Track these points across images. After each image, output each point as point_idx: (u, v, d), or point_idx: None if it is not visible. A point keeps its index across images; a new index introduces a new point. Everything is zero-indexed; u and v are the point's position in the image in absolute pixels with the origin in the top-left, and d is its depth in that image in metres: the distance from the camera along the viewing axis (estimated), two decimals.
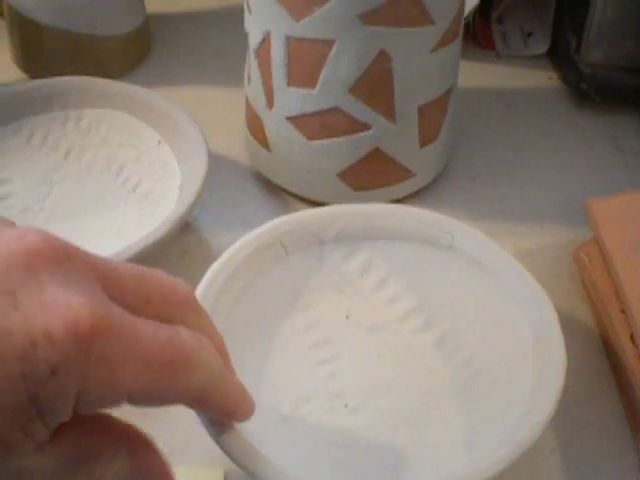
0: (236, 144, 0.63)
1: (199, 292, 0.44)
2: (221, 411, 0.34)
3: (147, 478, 0.31)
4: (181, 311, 0.32)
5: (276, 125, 0.55)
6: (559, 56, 0.70)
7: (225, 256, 0.46)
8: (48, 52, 0.66)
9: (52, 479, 0.28)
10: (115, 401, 0.28)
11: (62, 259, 0.27)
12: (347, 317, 0.48)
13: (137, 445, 0.31)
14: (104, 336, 0.26)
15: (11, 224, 0.29)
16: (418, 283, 0.49)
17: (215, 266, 0.46)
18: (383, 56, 0.50)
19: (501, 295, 0.47)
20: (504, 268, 0.47)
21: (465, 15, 0.63)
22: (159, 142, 0.57)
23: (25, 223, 0.53)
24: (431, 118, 0.55)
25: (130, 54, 0.70)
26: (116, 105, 0.59)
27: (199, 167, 0.52)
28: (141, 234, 0.49)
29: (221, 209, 0.58)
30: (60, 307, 0.26)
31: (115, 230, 0.53)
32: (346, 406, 0.43)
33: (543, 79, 0.71)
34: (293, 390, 0.44)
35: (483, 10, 0.73)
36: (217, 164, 0.60)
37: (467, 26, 0.72)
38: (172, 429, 0.45)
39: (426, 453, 0.41)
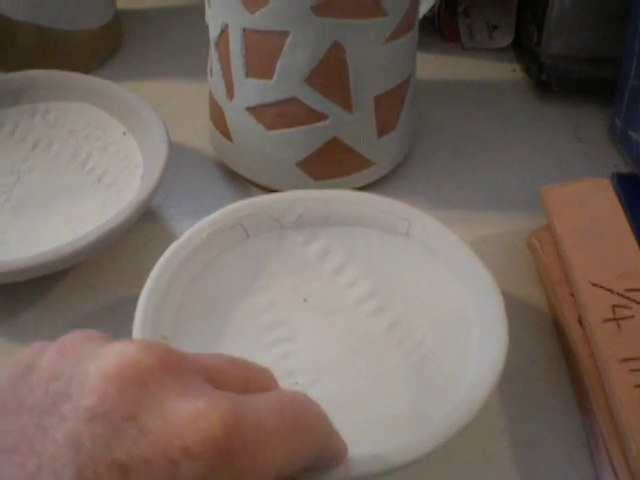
0: (201, 135, 0.64)
1: (156, 269, 0.45)
2: (332, 459, 0.34)
3: None
4: (271, 386, 0.32)
5: (236, 115, 0.56)
6: (522, 48, 0.71)
7: (185, 236, 0.47)
8: (19, 47, 0.67)
9: None
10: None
11: (170, 367, 0.27)
12: (304, 300, 0.49)
13: None
14: (238, 430, 0.26)
15: (100, 339, 0.29)
16: (374, 269, 0.50)
17: (174, 245, 0.47)
18: (337, 47, 0.51)
19: (452, 281, 0.48)
20: (456, 254, 0.48)
21: (428, 9, 0.65)
22: (124, 133, 0.58)
23: None
24: (388, 108, 0.56)
25: (100, 49, 0.71)
26: (83, 98, 0.60)
27: (160, 156, 0.53)
28: (103, 221, 0.50)
29: (185, 198, 0.59)
30: (189, 419, 0.25)
31: (80, 218, 0.55)
32: (297, 384, 0.44)
33: (507, 71, 0.72)
34: None
35: (449, 4, 0.74)
36: (183, 155, 0.62)
37: (432, 19, 0.74)
38: None
39: (373, 429, 0.42)
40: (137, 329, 0.42)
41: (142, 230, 0.56)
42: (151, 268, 0.46)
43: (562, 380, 0.49)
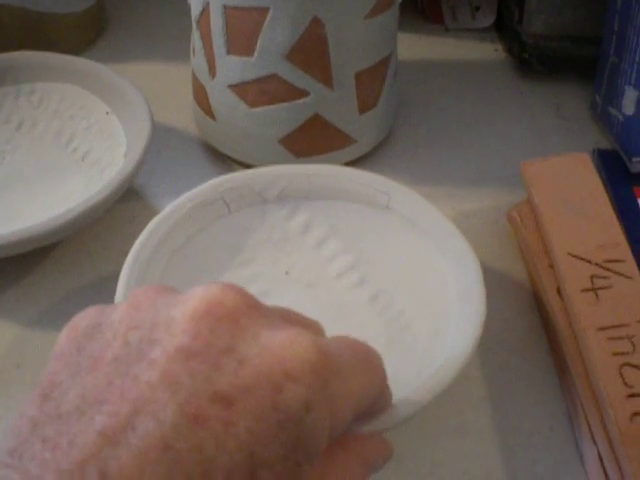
0: (185, 115, 0.64)
1: (137, 243, 0.45)
2: (384, 406, 0.35)
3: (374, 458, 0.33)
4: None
5: (219, 93, 0.56)
6: (504, 28, 0.71)
7: (166, 210, 0.48)
8: (4, 29, 0.67)
9: None
10: (353, 414, 0.29)
11: (254, 305, 0.28)
12: (287, 273, 0.49)
13: (364, 451, 0.32)
14: (328, 357, 0.27)
15: (172, 290, 0.29)
16: (356, 241, 0.50)
17: (156, 219, 0.47)
18: (317, 22, 0.51)
19: (432, 253, 0.48)
20: (436, 227, 0.48)
21: None
22: (107, 113, 0.58)
23: None
24: (369, 85, 0.56)
25: (85, 32, 0.71)
26: (66, 78, 0.60)
27: (143, 134, 0.53)
28: (86, 197, 0.50)
29: (169, 177, 0.60)
30: (285, 346, 0.26)
31: (63, 196, 0.55)
32: None
33: (489, 51, 0.72)
34: None
35: None
36: (167, 135, 0.62)
37: (415, 1, 0.74)
38: None
39: None
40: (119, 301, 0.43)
41: (126, 208, 0.56)
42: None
43: (542, 350, 0.49)
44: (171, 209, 0.48)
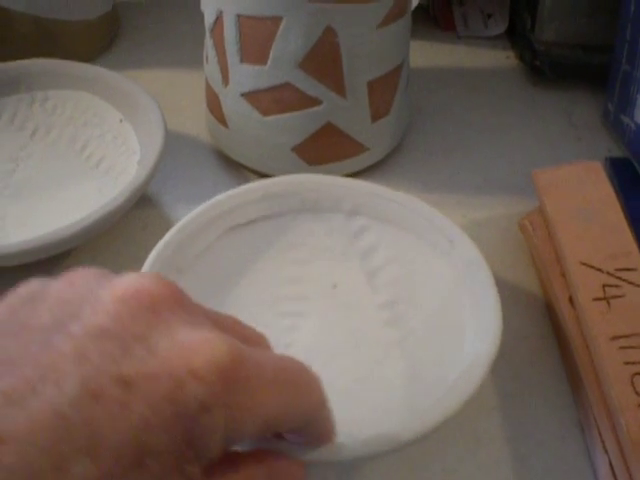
0: (198, 123, 0.65)
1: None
2: (320, 434, 0.34)
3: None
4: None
5: (232, 102, 0.56)
6: (516, 36, 0.71)
7: (201, 208, 0.49)
8: (17, 38, 0.68)
9: None
10: (256, 429, 0.28)
11: (180, 300, 0.28)
12: (334, 286, 0.50)
13: (275, 469, 0.32)
14: (241, 365, 0.27)
15: (110, 274, 0.30)
16: (408, 276, 0.50)
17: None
18: (329, 32, 0.52)
19: (444, 265, 0.48)
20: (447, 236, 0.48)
21: None
22: (121, 120, 0.59)
23: None
24: (381, 93, 0.57)
25: (99, 39, 0.71)
26: (80, 86, 0.61)
27: (156, 141, 0.54)
28: (100, 205, 0.51)
29: (181, 184, 0.60)
30: (198, 344, 0.27)
31: (76, 202, 0.55)
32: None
33: (501, 58, 0.72)
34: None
35: None
36: (179, 142, 0.63)
37: (427, 8, 0.74)
38: None
39: (366, 414, 0.43)
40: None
41: (139, 216, 0.57)
42: (148, 252, 0.46)
43: (554, 359, 0.49)
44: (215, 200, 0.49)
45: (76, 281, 0.29)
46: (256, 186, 0.50)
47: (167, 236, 0.47)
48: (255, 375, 0.28)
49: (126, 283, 0.28)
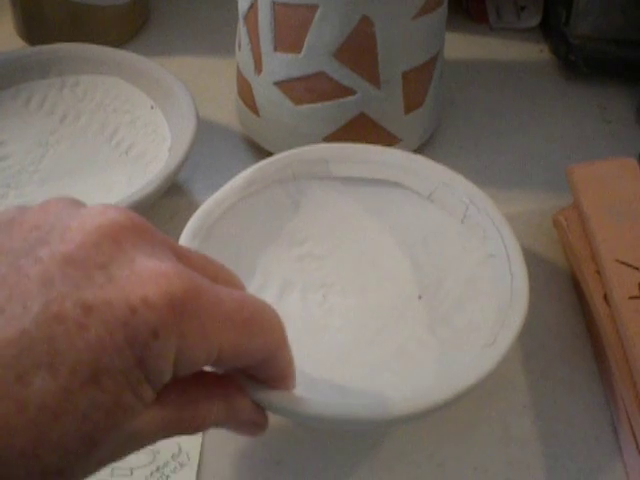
0: (229, 110, 0.64)
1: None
2: (277, 375, 0.36)
3: (241, 418, 0.35)
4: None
5: (264, 90, 0.56)
6: (550, 29, 0.70)
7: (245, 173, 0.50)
8: (49, 22, 0.67)
9: (159, 435, 0.31)
10: (207, 359, 0.30)
11: (144, 232, 0.30)
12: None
13: (230, 391, 0.35)
14: (195, 298, 0.29)
15: (82, 204, 0.32)
16: (406, 229, 0.51)
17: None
18: (366, 21, 0.51)
19: (477, 245, 0.48)
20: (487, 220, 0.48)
21: None
22: (152, 107, 0.58)
23: (21, 183, 0.55)
24: (416, 84, 0.56)
25: (128, 24, 0.71)
26: (111, 72, 0.60)
27: (188, 129, 0.53)
28: (130, 192, 0.50)
29: (211, 172, 0.59)
30: (153, 275, 0.28)
31: (106, 189, 0.55)
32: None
33: (534, 51, 0.71)
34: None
35: None
36: (209, 130, 0.62)
37: (460, 0, 0.73)
38: None
39: (399, 378, 0.43)
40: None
41: (168, 204, 0.56)
42: (177, 241, 0.46)
43: (586, 357, 0.49)
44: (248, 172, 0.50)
45: (50, 209, 0.30)
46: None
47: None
48: (209, 308, 0.29)
49: (94, 214, 0.29)
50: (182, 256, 0.32)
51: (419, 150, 0.60)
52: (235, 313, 0.31)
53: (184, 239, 0.45)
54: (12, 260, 0.28)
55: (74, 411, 0.26)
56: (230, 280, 0.35)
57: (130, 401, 0.28)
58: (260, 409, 0.36)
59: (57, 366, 0.26)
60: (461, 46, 0.71)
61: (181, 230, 0.46)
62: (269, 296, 0.47)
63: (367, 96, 0.54)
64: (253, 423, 0.36)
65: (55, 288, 0.27)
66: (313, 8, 0.51)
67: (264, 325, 0.32)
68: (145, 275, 0.28)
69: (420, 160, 0.51)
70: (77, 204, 0.31)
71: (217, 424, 0.34)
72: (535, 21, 0.72)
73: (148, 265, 0.28)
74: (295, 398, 0.37)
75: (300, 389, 0.38)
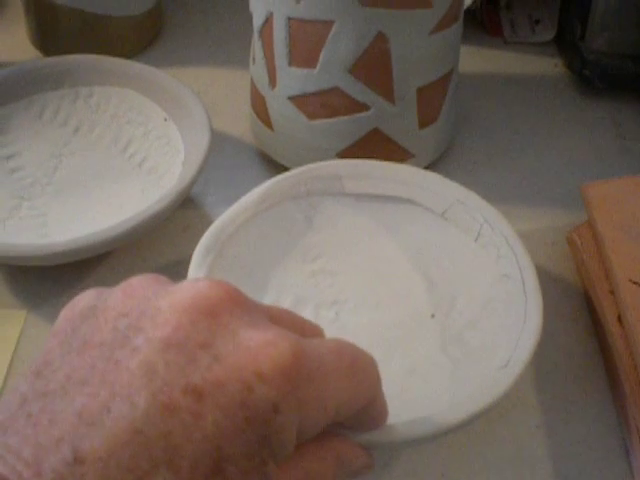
0: (242, 123, 0.64)
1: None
2: (377, 415, 0.35)
3: (354, 466, 0.33)
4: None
5: (278, 104, 0.56)
6: (565, 43, 0.70)
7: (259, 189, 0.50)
8: (63, 32, 0.67)
9: None
10: (327, 419, 0.29)
11: (239, 302, 0.29)
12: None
13: (335, 445, 0.33)
14: (305, 361, 0.28)
15: (166, 281, 0.31)
16: (420, 249, 0.50)
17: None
18: (381, 38, 0.51)
19: (490, 264, 0.48)
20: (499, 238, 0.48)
21: (471, 1, 0.64)
22: (165, 119, 0.58)
23: (34, 195, 0.55)
24: (430, 100, 0.56)
25: (142, 35, 0.71)
26: (125, 83, 0.60)
27: (202, 143, 0.53)
28: (144, 207, 0.50)
29: (224, 186, 0.59)
30: (261, 346, 0.27)
31: (120, 203, 0.55)
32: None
33: (549, 66, 0.71)
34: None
35: None
36: (223, 143, 0.62)
37: (474, 13, 0.73)
38: None
39: (413, 399, 0.43)
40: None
41: (181, 216, 0.56)
42: (190, 254, 0.46)
43: (599, 378, 0.49)
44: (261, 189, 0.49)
45: (133, 292, 0.29)
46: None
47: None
48: (318, 367, 0.29)
49: (184, 290, 0.28)
50: (274, 318, 0.31)
51: (432, 165, 0.60)
52: (338, 364, 0.30)
53: (197, 255, 0.45)
54: (107, 354, 0.27)
55: None
56: (315, 332, 0.34)
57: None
58: (360, 448, 0.35)
59: (177, 462, 0.25)
60: (475, 60, 0.71)
61: (193, 243, 0.46)
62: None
63: (381, 112, 0.54)
64: (365, 466, 0.35)
65: (159, 377, 0.26)
66: (329, 24, 0.50)
67: (364, 368, 0.32)
68: (253, 348, 0.27)
69: (434, 177, 0.50)
70: (161, 281, 0.30)
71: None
72: (550, 35, 0.72)
73: (253, 336, 0.27)
74: None
75: None
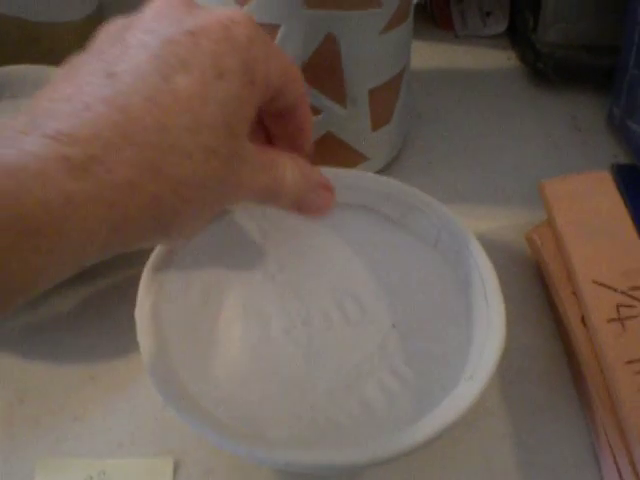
0: None
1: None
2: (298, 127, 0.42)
3: (313, 178, 0.42)
4: None
5: None
6: (517, 36, 0.69)
7: None
8: (3, 42, 0.65)
9: (256, 194, 0.38)
10: (278, 75, 0.37)
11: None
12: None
13: (301, 159, 0.41)
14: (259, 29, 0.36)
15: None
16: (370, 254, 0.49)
17: None
18: (330, 39, 0.49)
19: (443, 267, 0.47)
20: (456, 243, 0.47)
21: None
22: None
23: None
24: (383, 101, 0.55)
25: (85, 41, 0.68)
26: None
27: None
28: None
29: None
30: (229, 11, 0.36)
31: None
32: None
33: (502, 59, 0.70)
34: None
35: None
36: None
37: (424, 6, 0.72)
38: (122, 421, 0.45)
39: (371, 419, 0.42)
40: None
41: None
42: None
43: (565, 382, 0.48)
44: None
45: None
46: None
47: None
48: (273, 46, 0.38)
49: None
50: None
51: (387, 167, 0.58)
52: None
53: (149, 269, 0.44)
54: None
55: (214, 98, 0.33)
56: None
57: (248, 96, 0.35)
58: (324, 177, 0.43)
59: (189, 69, 0.33)
60: (426, 54, 0.69)
61: (143, 259, 0.44)
62: (244, 332, 0.45)
63: (333, 115, 0.53)
64: (324, 186, 0.43)
65: (164, 28, 0.34)
66: (275, 28, 0.49)
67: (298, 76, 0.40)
68: (223, 11, 0.35)
69: (389, 182, 0.49)
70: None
71: (296, 185, 0.40)
72: (501, 28, 0.71)
73: (224, 9, 0.36)
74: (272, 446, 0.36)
75: (280, 431, 0.38)
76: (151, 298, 0.43)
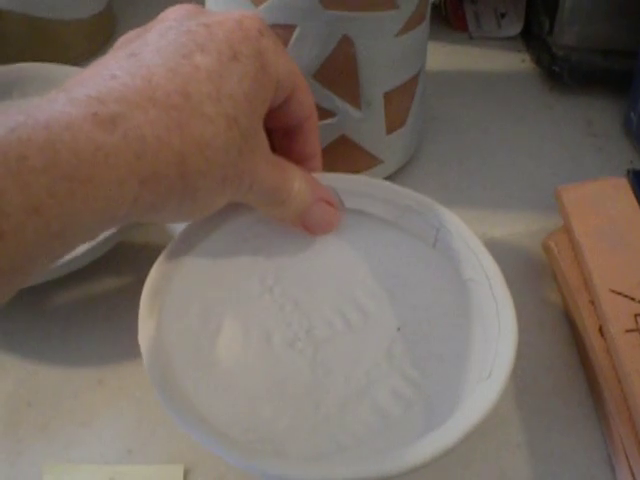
0: None
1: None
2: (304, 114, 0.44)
3: (319, 192, 0.44)
4: None
5: None
6: (532, 38, 0.68)
7: None
8: (8, 38, 0.65)
9: (265, 198, 0.41)
10: (288, 76, 0.40)
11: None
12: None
13: (309, 174, 0.44)
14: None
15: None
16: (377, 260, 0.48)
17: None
18: (346, 41, 0.49)
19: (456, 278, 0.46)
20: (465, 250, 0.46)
21: None
22: None
23: None
24: (398, 104, 0.54)
25: (93, 39, 0.68)
26: None
27: None
28: None
29: None
30: (243, 12, 0.39)
31: None
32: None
33: (516, 61, 0.69)
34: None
35: None
36: None
37: (438, 7, 0.71)
38: (132, 428, 0.45)
39: (391, 421, 0.41)
40: None
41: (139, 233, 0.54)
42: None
43: (581, 391, 0.47)
44: None
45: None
46: None
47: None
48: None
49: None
50: None
51: (401, 170, 0.58)
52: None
53: (146, 293, 0.43)
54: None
55: (230, 76, 0.36)
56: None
57: (262, 80, 0.37)
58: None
59: (207, 49, 0.36)
60: (440, 56, 0.69)
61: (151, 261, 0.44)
62: (247, 350, 0.44)
63: (347, 118, 0.52)
64: (330, 203, 0.45)
65: (178, 25, 0.37)
66: (290, 28, 0.48)
67: (306, 86, 0.43)
68: (234, 13, 0.39)
69: (383, 185, 0.48)
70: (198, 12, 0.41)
71: (303, 195, 0.42)
72: (516, 30, 0.70)
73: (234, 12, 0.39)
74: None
75: (298, 446, 0.38)
76: (152, 323, 0.42)
